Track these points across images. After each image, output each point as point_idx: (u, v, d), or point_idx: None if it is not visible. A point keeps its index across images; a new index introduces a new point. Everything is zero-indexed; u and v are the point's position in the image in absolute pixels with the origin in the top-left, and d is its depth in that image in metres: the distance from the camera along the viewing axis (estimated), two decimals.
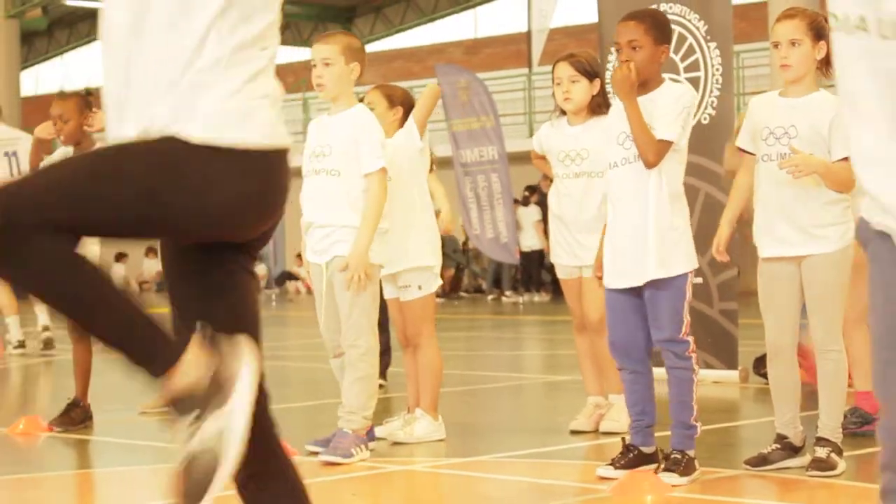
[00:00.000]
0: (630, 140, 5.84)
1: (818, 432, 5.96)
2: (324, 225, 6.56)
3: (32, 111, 28.52)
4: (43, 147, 8.15)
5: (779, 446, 6.03)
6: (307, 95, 29.02)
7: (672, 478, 5.69)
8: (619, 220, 5.90)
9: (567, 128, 7.15)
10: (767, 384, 6.26)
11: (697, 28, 9.42)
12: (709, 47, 9.40)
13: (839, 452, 5.93)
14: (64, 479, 6.54)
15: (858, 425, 6.75)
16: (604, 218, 6.41)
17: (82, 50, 43.60)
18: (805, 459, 5.99)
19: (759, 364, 8.61)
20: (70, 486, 6.49)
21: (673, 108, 5.84)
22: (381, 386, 7.68)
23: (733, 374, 9.40)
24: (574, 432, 7.07)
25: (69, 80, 38.17)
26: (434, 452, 6.92)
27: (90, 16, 42.64)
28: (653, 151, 5.78)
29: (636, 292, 5.86)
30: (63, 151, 7.83)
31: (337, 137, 6.56)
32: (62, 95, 8.04)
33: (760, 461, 6.01)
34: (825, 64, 5.94)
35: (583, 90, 7.05)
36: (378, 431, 6.89)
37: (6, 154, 12.10)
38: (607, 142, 6.02)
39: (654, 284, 5.80)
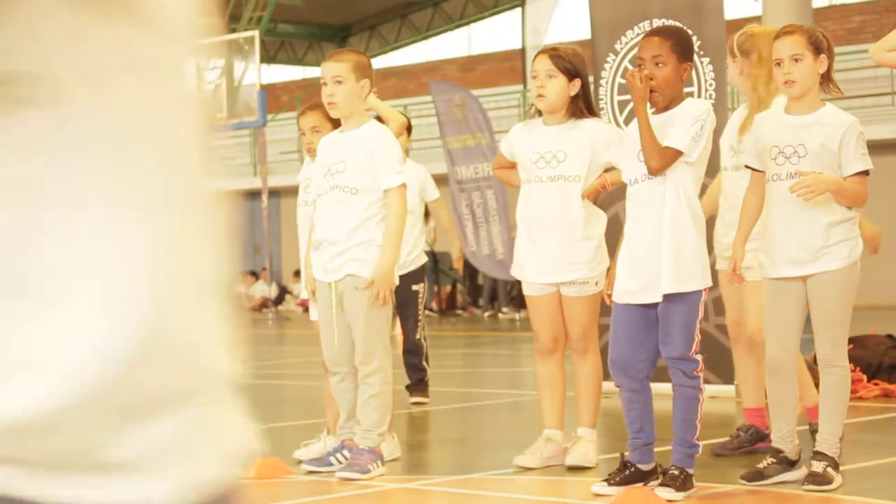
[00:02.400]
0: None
1: (816, 446, 5.96)
2: (336, 242, 6.53)
3: None
4: None
5: (774, 461, 6.02)
6: None
7: (668, 492, 5.69)
8: (635, 236, 5.88)
9: (542, 128, 6.63)
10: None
11: None
12: (702, 62, 9.42)
13: (836, 467, 5.92)
14: None
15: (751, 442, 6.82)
16: (582, 230, 6.41)
17: None
18: (801, 473, 5.98)
19: None
20: None
21: (687, 119, 5.83)
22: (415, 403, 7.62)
23: (729, 389, 9.38)
24: (521, 468, 6.56)
25: None
26: (430, 469, 6.91)
27: None
28: (657, 157, 5.75)
29: (646, 309, 5.85)
30: None
31: (351, 154, 6.54)
32: None
33: (756, 476, 6.00)
34: (826, 79, 5.95)
35: (559, 87, 6.50)
36: (299, 454, 6.89)
37: None
38: (627, 158, 5.98)
39: (668, 299, 5.78)
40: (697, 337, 5.83)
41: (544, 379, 6.72)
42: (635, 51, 9.65)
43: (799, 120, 5.94)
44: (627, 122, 9.69)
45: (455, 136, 17.15)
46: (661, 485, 5.74)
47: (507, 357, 15.73)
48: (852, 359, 9.47)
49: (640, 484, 5.79)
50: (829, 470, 5.88)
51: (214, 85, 23.60)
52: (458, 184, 17.25)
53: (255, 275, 28.80)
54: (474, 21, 34.76)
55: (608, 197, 7.57)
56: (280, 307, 29.18)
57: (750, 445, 6.79)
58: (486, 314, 24.32)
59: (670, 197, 5.79)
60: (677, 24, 7.91)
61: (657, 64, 5.84)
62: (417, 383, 9.74)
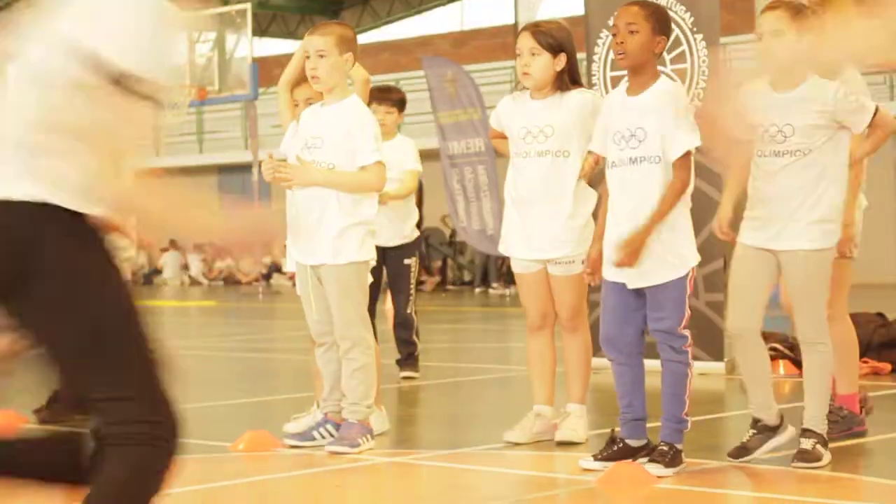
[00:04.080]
0: (636, 140, 5.79)
1: (804, 424, 5.96)
2: (310, 222, 6.50)
3: None
4: None
5: (755, 431, 6.02)
6: None
7: (657, 468, 5.69)
8: (623, 216, 5.84)
9: (529, 102, 6.56)
10: None
11: (684, 20, 9.42)
12: (695, 39, 9.40)
13: (825, 444, 5.93)
14: None
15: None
16: (570, 207, 6.39)
17: None
18: (788, 435, 6.00)
19: None
20: None
21: (682, 109, 5.80)
22: (406, 377, 7.61)
23: (719, 366, 9.41)
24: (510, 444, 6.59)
25: None
26: (420, 444, 6.92)
27: None
28: (681, 180, 5.78)
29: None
30: None
31: (329, 129, 6.52)
32: None
33: (742, 452, 6.00)
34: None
35: (543, 64, 6.43)
36: (289, 428, 6.85)
37: None
38: (608, 139, 5.93)
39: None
40: (688, 312, 5.83)
41: (534, 355, 6.74)
42: None
43: (787, 97, 5.89)
44: None
45: (447, 111, 17.11)
46: (651, 460, 5.75)
47: (497, 332, 15.75)
48: None
49: (630, 460, 5.79)
50: (818, 447, 5.89)
51: (206, 58, 23.53)
52: (449, 159, 17.22)
53: None
54: None
55: (598, 174, 7.54)
56: (271, 281, 29.19)
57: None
58: (477, 290, 24.34)
59: (660, 178, 5.76)
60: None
61: (631, 31, 5.79)
62: (407, 358, 9.74)
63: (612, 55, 9.70)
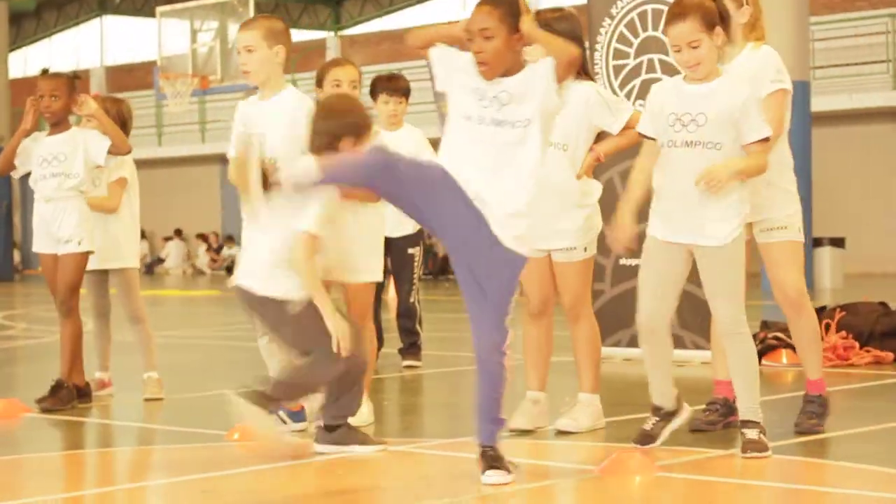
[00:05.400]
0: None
1: (741, 416, 5.90)
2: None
3: (20, 93, 28.42)
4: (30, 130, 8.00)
5: (657, 418, 6.04)
6: (296, 76, 28.93)
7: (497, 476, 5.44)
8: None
9: None
10: (764, 364, 6.23)
11: None
12: None
13: (764, 432, 5.87)
14: (39, 461, 6.53)
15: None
16: (574, 197, 6.45)
17: (70, 32, 43.43)
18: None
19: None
20: (47, 467, 6.48)
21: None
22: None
23: None
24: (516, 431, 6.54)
25: (57, 62, 38.03)
26: (422, 433, 6.91)
27: None
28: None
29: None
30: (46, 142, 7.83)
31: (272, 121, 6.46)
32: (52, 74, 8.00)
33: (647, 439, 6.02)
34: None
35: (543, 55, 6.62)
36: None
37: None
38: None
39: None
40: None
41: (531, 342, 6.72)
42: (632, 15, 9.65)
43: (699, 89, 5.81)
44: (623, 86, 9.68)
45: None
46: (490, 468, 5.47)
47: None
48: (844, 326, 9.55)
49: (635, 447, 5.80)
50: (762, 436, 5.84)
51: (208, 47, 23.51)
52: None
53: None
54: None
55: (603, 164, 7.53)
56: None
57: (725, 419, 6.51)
58: None
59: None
60: None
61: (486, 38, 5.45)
62: (410, 347, 9.75)
63: (614, 44, 9.70)
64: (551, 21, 6.36)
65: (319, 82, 7.11)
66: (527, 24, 5.38)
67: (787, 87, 6.26)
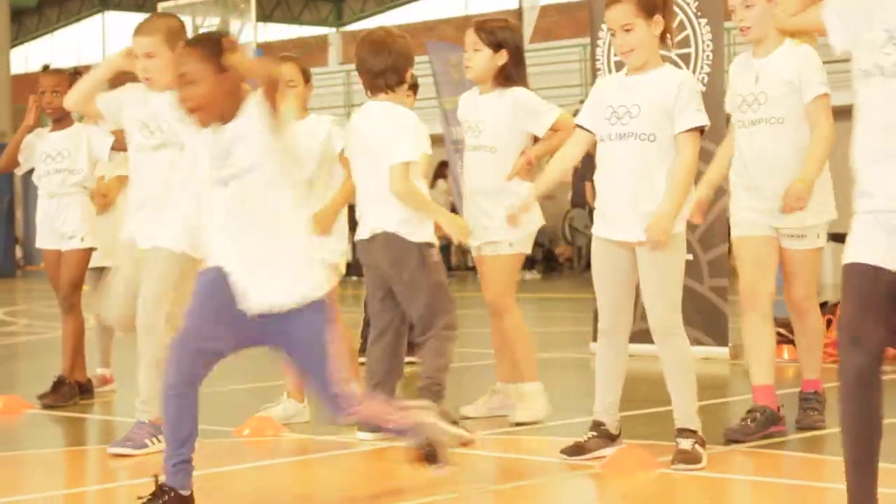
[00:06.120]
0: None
1: (676, 423, 5.65)
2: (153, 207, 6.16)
3: (22, 89, 28.45)
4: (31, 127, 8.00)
5: (595, 434, 5.77)
6: None
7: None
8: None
9: (476, 97, 6.94)
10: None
11: (688, 4, 9.40)
12: (699, 23, 9.39)
13: (702, 443, 5.62)
14: (41, 457, 6.54)
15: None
16: (497, 198, 6.58)
17: (71, 28, 43.45)
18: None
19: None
20: (49, 464, 6.49)
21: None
22: (361, 364, 7.60)
23: (723, 351, 9.42)
24: (465, 418, 6.72)
25: (58, 58, 38.05)
26: None
27: None
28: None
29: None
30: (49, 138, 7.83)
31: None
32: (54, 70, 8.01)
33: (577, 450, 5.77)
34: (663, 36, 5.71)
35: (482, 59, 6.77)
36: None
37: None
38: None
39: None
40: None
41: (495, 335, 7.02)
42: None
43: (639, 79, 5.67)
44: None
45: (451, 96, 17.08)
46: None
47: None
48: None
49: (633, 444, 5.79)
50: (697, 447, 5.57)
51: None
52: (453, 144, 17.21)
53: None
54: None
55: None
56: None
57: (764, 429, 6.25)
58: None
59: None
60: None
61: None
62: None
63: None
64: (496, 30, 6.75)
65: None
66: (231, 59, 4.65)
67: (829, 91, 6.28)
